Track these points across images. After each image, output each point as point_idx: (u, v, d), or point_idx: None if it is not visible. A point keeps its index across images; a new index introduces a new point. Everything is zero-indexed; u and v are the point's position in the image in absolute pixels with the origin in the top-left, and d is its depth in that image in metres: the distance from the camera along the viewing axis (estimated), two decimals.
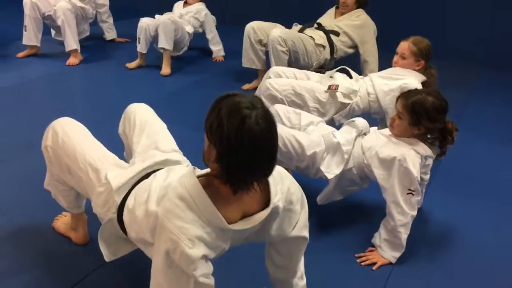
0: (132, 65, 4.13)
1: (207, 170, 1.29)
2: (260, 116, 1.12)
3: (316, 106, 2.67)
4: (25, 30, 4.13)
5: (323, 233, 2.09)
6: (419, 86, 2.45)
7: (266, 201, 1.26)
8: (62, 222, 2.04)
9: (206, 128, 1.18)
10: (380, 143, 1.99)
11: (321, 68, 3.68)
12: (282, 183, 1.31)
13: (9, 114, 3.20)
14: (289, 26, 3.81)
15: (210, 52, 4.58)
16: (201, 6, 4.43)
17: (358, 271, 1.91)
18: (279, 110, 2.34)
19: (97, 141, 1.76)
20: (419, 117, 1.90)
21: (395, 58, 2.67)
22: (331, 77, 2.77)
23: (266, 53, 3.74)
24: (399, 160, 1.87)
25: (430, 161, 1.99)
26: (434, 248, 2.06)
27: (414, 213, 1.90)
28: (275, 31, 3.53)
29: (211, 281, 1.23)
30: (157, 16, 4.09)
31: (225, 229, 1.20)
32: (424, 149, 1.92)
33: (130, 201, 1.46)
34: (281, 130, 2.10)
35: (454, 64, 4.45)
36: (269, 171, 1.20)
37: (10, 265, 1.85)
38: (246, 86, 3.82)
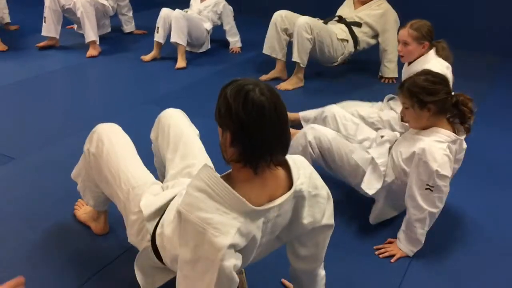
0: (147, 57, 4.14)
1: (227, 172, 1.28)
2: (263, 88, 1.16)
3: None
4: (45, 22, 4.18)
5: (342, 224, 2.08)
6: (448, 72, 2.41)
7: (290, 186, 1.26)
8: (83, 212, 2.06)
9: (216, 116, 1.20)
10: (402, 144, 1.97)
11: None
12: (304, 169, 1.31)
13: (30, 106, 3.25)
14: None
15: (227, 44, 4.57)
16: None
17: (376, 263, 1.90)
18: (336, 114, 2.29)
19: (138, 157, 1.73)
20: (419, 96, 1.85)
21: (399, 47, 2.60)
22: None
23: (289, 45, 3.72)
24: (418, 154, 1.84)
25: (463, 145, 1.94)
26: (455, 241, 2.04)
27: (434, 209, 1.84)
28: (303, 18, 3.53)
29: (237, 277, 1.21)
30: (177, 10, 4.10)
31: (251, 212, 1.17)
32: (447, 134, 1.86)
33: (159, 226, 1.46)
34: (339, 142, 2.12)
35: (476, 56, 4.37)
36: (284, 145, 1.21)
37: (29, 252, 1.89)
38: (264, 77, 3.81)
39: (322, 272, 1.55)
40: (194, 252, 1.17)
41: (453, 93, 1.90)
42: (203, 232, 1.14)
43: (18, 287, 1.64)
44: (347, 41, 3.69)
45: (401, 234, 1.93)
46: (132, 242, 1.57)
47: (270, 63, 3.88)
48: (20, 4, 5.13)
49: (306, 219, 1.33)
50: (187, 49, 4.24)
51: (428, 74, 1.92)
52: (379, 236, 2.04)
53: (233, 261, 1.15)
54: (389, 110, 2.63)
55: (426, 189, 1.82)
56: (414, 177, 1.85)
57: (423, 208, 1.84)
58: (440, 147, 1.83)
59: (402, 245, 1.92)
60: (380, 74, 3.86)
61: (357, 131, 2.25)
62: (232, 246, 1.14)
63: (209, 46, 4.40)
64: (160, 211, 1.50)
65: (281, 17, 3.73)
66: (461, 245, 2.02)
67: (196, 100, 3.33)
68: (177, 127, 1.78)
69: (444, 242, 2.03)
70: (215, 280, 1.14)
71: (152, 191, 1.58)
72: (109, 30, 4.59)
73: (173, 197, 1.51)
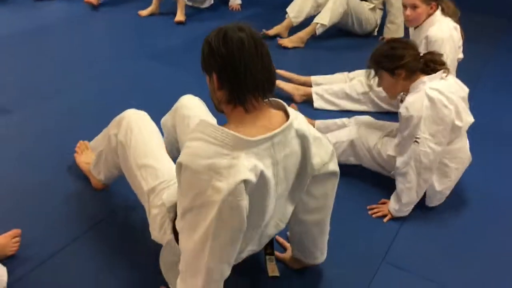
0: (144, 12, 4.06)
1: None
2: (242, 26, 1.20)
3: None
4: None
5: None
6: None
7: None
8: (84, 160, 2.05)
9: (202, 64, 1.23)
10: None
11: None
12: (301, 116, 1.33)
13: (28, 59, 3.21)
14: None
15: (226, 1, 4.48)
16: None
17: (368, 222, 1.93)
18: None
19: (164, 148, 1.71)
20: (385, 63, 1.92)
21: (407, 12, 2.43)
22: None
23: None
24: (400, 113, 1.90)
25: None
26: (449, 206, 2.03)
27: (418, 164, 1.85)
28: None
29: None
30: None
31: (250, 145, 1.16)
32: (427, 77, 1.89)
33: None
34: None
35: (482, 19, 4.29)
36: (270, 82, 1.24)
37: (25, 201, 1.91)
38: (266, 31, 3.72)
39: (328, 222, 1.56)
40: (196, 199, 1.15)
41: (421, 54, 1.94)
42: (207, 179, 1.13)
43: (15, 237, 1.68)
44: (375, 10, 3.78)
45: (393, 195, 1.96)
46: (155, 238, 1.51)
47: (270, 21, 3.81)
48: None
49: (315, 159, 1.34)
50: (189, 3, 4.16)
51: (391, 42, 2.03)
52: (375, 197, 2.06)
53: (241, 198, 1.12)
54: None
55: (414, 141, 1.86)
56: (400, 131, 1.93)
57: (405, 161, 1.88)
58: (422, 93, 1.85)
59: (390, 205, 1.95)
60: (381, 36, 3.81)
61: None
62: (242, 182, 1.12)
63: (212, 2, 4.31)
64: None
65: None
66: (454, 210, 2.03)
67: (194, 56, 3.27)
68: (196, 117, 1.72)
69: (437, 206, 2.03)
70: (216, 216, 1.12)
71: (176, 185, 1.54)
72: None
73: None
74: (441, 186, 1.96)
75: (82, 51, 3.41)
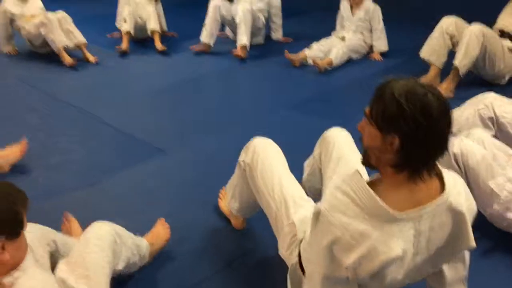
0: (293, 57, 4.22)
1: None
2: (436, 92, 1.12)
3: None
4: (205, 29, 4.57)
5: None
6: None
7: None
8: (225, 204, 2.18)
9: (377, 119, 1.14)
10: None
11: None
12: (460, 185, 1.24)
13: (181, 105, 3.56)
14: None
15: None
16: (368, 4, 4.33)
17: None
18: (485, 140, 2.06)
19: (290, 172, 1.75)
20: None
21: None
22: None
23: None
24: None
25: None
26: None
27: None
28: (477, 25, 3.35)
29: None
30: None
31: (394, 220, 1.13)
32: None
33: (304, 240, 1.45)
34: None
35: None
36: (443, 152, 1.15)
37: (173, 232, 2.04)
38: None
39: None
40: (326, 251, 1.17)
41: None
42: (339, 236, 1.14)
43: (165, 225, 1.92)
44: None
45: None
46: (282, 255, 1.56)
47: (416, 72, 3.67)
48: (175, 14, 5.63)
49: (470, 242, 1.25)
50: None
51: None
52: None
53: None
54: None
55: None
56: None
57: None
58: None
59: None
60: None
61: (509, 164, 1.98)
62: (359, 259, 1.13)
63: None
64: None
65: (450, 21, 3.57)
66: None
67: (336, 106, 3.32)
68: (340, 148, 1.75)
69: None
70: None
71: (305, 205, 1.59)
72: (263, 42, 4.85)
73: None
74: None
75: (231, 99, 3.68)
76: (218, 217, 2.20)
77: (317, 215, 1.21)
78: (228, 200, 2.06)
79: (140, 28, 4.72)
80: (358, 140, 1.27)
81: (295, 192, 1.63)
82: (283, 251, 1.55)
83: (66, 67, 4.22)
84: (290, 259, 1.50)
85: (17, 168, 2.61)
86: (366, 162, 1.23)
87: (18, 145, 2.63)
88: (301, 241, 1.46)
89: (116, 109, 3.43)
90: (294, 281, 1.52)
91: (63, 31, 4.28)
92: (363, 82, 3.85)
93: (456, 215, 1.20)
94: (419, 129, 1.08)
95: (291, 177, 1.71)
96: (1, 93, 3.70)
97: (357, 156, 1.71)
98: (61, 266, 1.50)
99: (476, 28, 3.30)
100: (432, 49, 3.60)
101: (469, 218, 1.25)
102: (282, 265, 1.59)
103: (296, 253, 1.48)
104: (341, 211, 1.15)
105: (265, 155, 1.75)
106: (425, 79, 3.59)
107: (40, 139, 2.95)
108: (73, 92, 3.74)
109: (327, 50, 4.20)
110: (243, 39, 4.43)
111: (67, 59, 4.23)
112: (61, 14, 4.32)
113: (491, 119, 2.33)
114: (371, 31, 4.38)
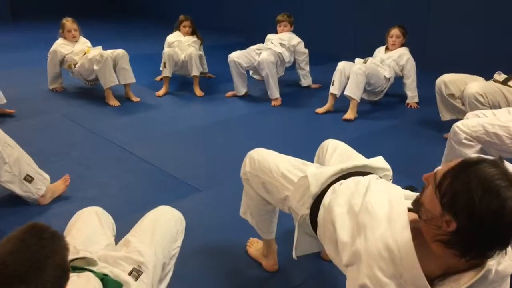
0: (321, 110, 4.30)
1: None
2: None
3: None
4: (234, 83, 4.69)
5: None
6: None
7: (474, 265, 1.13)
8: (255, 249, 2.20)
9: (446, 196, 1.08)
10: None
11: None
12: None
13: (215, 145, 3.63)
14: (488, 78, 3.46)
15: (403, 98, 4.50)
16: (404, 50, 4.41)
17: None
18: None
19: (289, 156, 1.88)
20: None
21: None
22: None
23: None
24: None
25: None
26: None
27: None
28: (472, 87, 3.24)
29: None
30: (357, 62, 4.20)
31: None
32: None
33: (326, 200, 1.49)
34: None
35: None
36: (503, 249, 1.08)
37: (203, 279, 2.06)
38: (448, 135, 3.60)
39: None
40: None
41: None
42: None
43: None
44: None
45: None
46: (293, 206, 1.64)
47: (450, 121, 3.66)
48: (216, 57, 5.84)
49: None
50: (363, 96, 4.30)
51: None
52: None
53: None
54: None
55: None
56: None
57: None
58: None
59: None
60: None
61: None
62: None
63: (384, 93, 4.41)
64: (326, 182, 1.55)
65: (444, 83, 3.54)
66: None
67: (363, 152, 3.29)
68: (334, 142, 2.00)
69: None
70: None
71: (310, 166, 1.72)
72: (283, 73, 4.86)
73: (341, 172, 1.58)
74: None
75: (263, 140, 3.68)
76: (250, 260, 2.19)
77: (355, 254, 1.21)
78: (242, 212, 2.08)
79: (181, 66, 4.84)
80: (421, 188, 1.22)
81: (290, 162, 1.77)
82: (294, 202, 1.63)
83: (109, 106, 4.40)
84: (301, 210, 1.59)
85: (56, 199, 2.69)
86: (415, 211, 1.19)
87: (62, 180, 2.76)
88: (314, 194, 1.55)
89: (154, 147, 3.52)
90: (302, 229, 1.62)
91: (118, 69, 4.43)
92: (394, 129, 3.85)
93: (483, 276, 1.14)
94: (481, 229, 1.03)
95: (286, 157, 1.85)
96: (46, 128, 3.87)
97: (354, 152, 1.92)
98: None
99: (472, 91, 3.19)
100: (446, 111, 3.62)
101: None
102: None
103: (307, 205, 1.56)
104: (379, 267, 1.14)
105: (259, 156, 1.88)
106: None
107: (79, 173, 3.05)
108: (113, 130, 3.87)
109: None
110: (274, 94, 4.54)
111: (112, 101, 4.42)
112: (120, 52, 4.45)
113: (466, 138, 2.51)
114: (399, 75, 4.40)
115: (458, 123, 2.59)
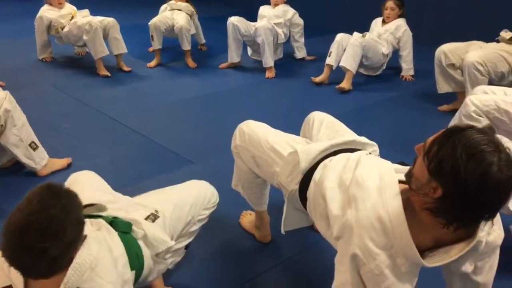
0: (317, 79, 4.25)
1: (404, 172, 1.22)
2: (504, 162, 1.01)
3: None
4: (229, 49, 4.60)
5: None
6: None
7: (466, 236, 1.13)
8: (247, 220, 2.20)
9: (433, 162, 1.08)
10: None
11: None
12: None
13: (210, 117, 3.59)
14: (490, 40, 3.42)
15: (398, 70, 4.46)
16: (400, 22, 4.34)
17: None
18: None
19: (279, 131, 1.87)
20: None
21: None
22: None
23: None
24: None
25: None
26: None
27: None
28: (471, 56, 3.21)
29: None
30: (355, 35, 4.13)
31: (417, 263, 1.13)
32: None
33: (317, 175, 1.48)
34: None
35: None
36: (491, 218, 1.09)
37: (196, 251, 2.05)
38: (444, 107, 3.59)
39: None
40: (351, 263, 1.17)
41: None
42: (363, 260, 1.13)
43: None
44: None
45: None
46: (282, 182, 1.64)
47: (445, 95, 3.64)
48: (211, 29, 5.72)
49: (468, 269, 1.22)
50: (362, 71, 4.23)
51: None
52: None
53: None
54: None
55: None
56: None
57: None
58: None
59: None
60: None
61: None
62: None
63: (384, 67, 4.35)
64: (315, 158, 1.55)
65: (443, 53, 3.47)
66: None
67: (359, 126, 3.28)
68: (320, 116, 2.00)
69: None
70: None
71: (301, 142, 1.72)
72: (281, 56, 4.84)
73: (331, 148, 1.57)
74: None
75: (256, 112, 3.65)
76: (243, 232, 2.19)
77: (345, 225, 1.20)
78: (234, 184, 2.09)
79: (172, 31, 4.68)
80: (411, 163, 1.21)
81: (280, 136, 1.77)
82: (283, 178, 1.62)
83: (100, 76, 4.32)
84: (290, 186, 1.59)
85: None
86: (407, 182, 1.19)
87: (65, 160, 2.76)
88: (304, 169, 1.54)
89: (146, 119, 3.48)
90: (291, 205, 1.63)
91: (110, 38, 4.33)
92: (390, 102, 3.81)
93: (474, 247, 1.15)
94: (466, 194, 1.02)
95: (275, 131, 1.84)
96: (36, 99, 3.80)
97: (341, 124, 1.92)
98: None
99: (471, 60, 3.16)
100: (443, 84, 3.55)
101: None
102: (312, 277, 1.55)
103: (297, 180, 1.55)
104: (371, 237, 1.14)
105: (249, 130, 1.87)
106: (456, 104, 3.49)
107: (70, 144, 3.01)
108: (105, 101, 3.81)
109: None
110: (269, 62, 4.45)
111: (102, 71, 4.33)
112: (111, 20, 4.35)
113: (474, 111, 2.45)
114: (395, 48, 4.34)
115: (472, 97, 2.54)
